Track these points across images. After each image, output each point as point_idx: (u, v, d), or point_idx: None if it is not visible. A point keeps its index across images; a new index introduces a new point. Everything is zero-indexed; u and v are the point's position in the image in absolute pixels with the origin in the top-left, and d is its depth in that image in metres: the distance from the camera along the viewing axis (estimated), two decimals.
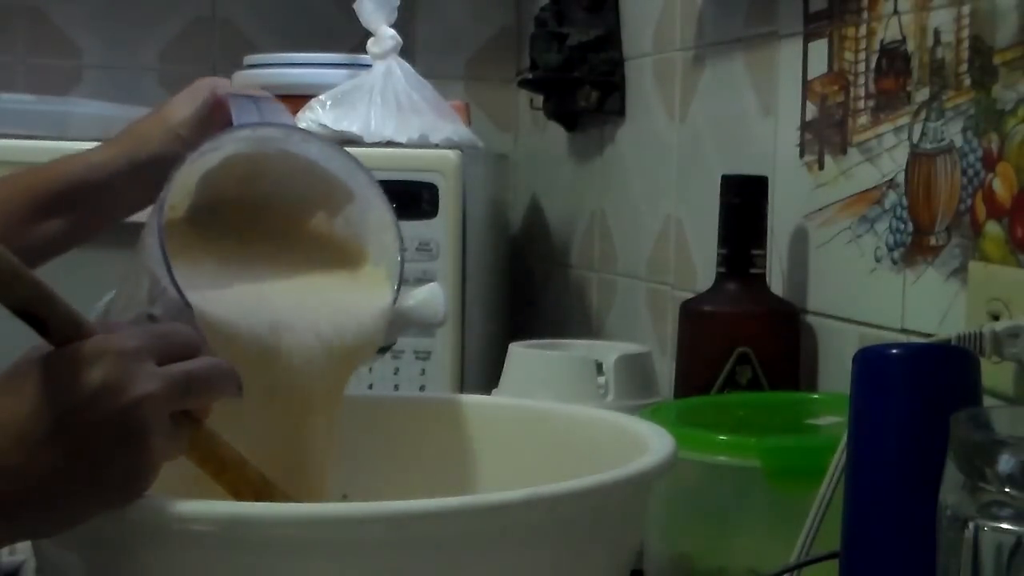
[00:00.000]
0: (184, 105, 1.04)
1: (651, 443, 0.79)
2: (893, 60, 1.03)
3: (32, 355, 0.63)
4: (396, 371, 1.38)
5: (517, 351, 1.19)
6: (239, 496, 0.74)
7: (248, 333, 0.80)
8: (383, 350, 0.92)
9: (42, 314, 0.63)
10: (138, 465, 0.64)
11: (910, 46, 1.01)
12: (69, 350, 0.62)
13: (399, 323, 0.90)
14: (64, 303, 0.63)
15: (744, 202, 1.14)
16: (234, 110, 0.99)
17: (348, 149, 0.90)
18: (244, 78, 1.56)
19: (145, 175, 1.01)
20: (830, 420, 0.95)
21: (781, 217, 1.18)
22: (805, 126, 1.16)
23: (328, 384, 0.83)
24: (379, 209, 0.87)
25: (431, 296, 0.93)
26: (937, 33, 0.98)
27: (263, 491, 0.74)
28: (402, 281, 0.86)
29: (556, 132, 1.72)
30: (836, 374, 1.10)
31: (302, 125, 1.38)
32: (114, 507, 0.64)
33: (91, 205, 1.04)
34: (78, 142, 1.38)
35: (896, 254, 1.03)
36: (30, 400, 0.62)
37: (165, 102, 1.06)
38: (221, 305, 0.80)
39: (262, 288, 0.83)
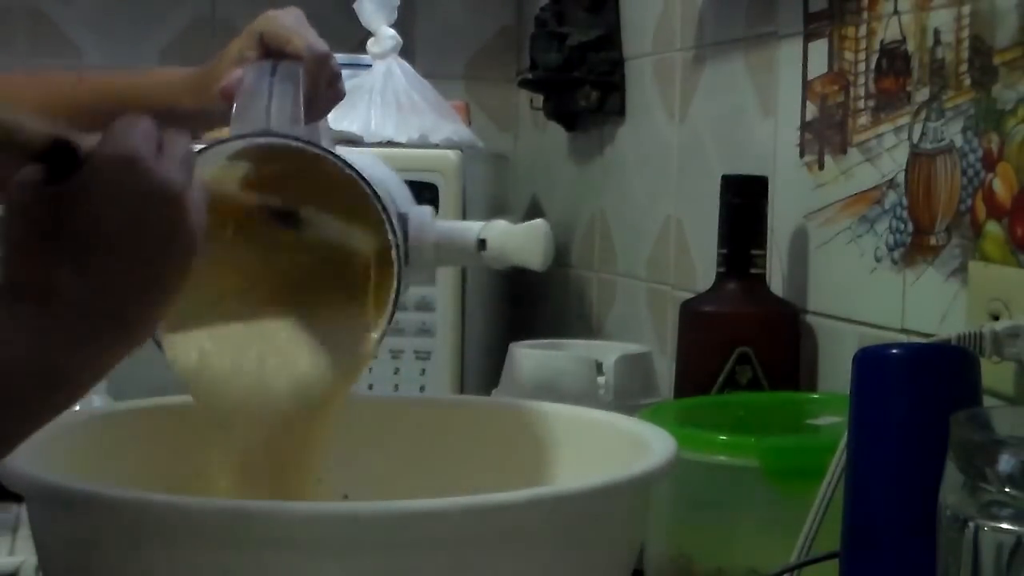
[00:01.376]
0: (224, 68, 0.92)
1: (652, 444, 0.79)
2: (893, 60, 1.03)
3: (40, 188, 0.62)
4: (396, 371, 1.38)
5: (517, 351, 1.19)
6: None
7: (233, 392, 0.80)
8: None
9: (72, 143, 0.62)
10: (188, 245, 0.65)
11: (910, 46, 1.01)
12: (97, 168, 0.62)
13: (499, 260, 0.88)
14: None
15: (744, 202, 1.14)
16: (238, 102, 0.88)
17: (348, 149, 0.90)
18: None
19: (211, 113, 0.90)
20: (830, 420, 0.95)
21: (781, 217, 1.18)
22: (805, 126, 1.16)
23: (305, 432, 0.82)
24: (385, 225, 0.83)
25: (531, 238, 0.89)
26: (937, 33, 0.98)
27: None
28: (396, 307, 0.82)
29: (556, 132, 1.72)
30: (836, 374, 1.10)
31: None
32: (179, 286, 0.65)
33: None
34: None
35: (896, 254, 1.03)
36: (87, 217, 0.62)
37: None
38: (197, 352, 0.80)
39: (249, 332, 0.81)
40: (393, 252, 0.79)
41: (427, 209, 0.91)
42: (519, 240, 0.90)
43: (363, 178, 0.80)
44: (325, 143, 0.89)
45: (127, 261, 0.63)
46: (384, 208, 0.80)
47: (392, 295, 0.79)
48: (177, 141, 0.65)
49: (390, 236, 0.79)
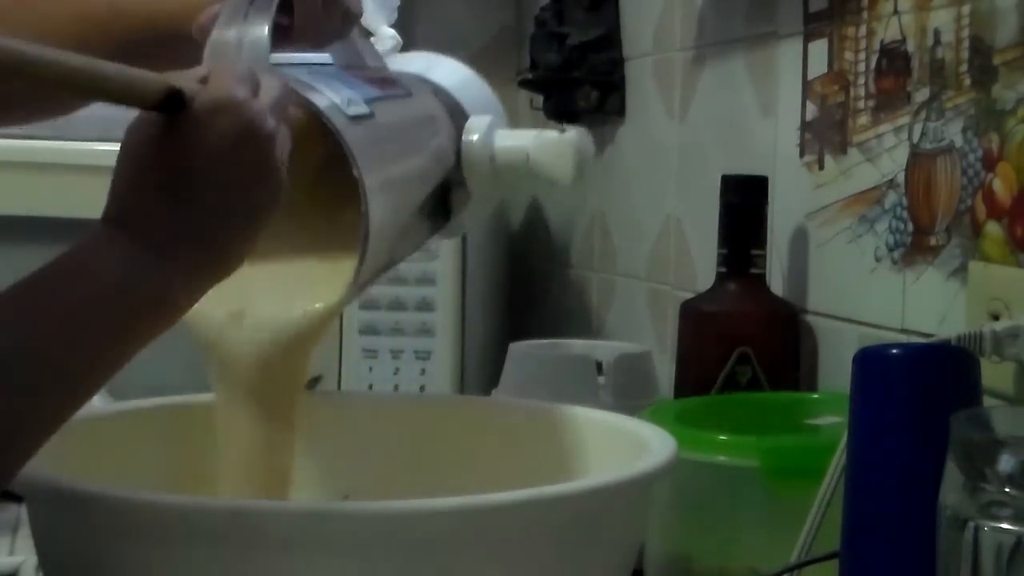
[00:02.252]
0: None
1: (652, 444, 0.79)
2: (893, 60, 1.03)
3: (153, 128, 0.67)
4: (396, 371, 1.38)
5: (517, 351, 1.19)
6: None
7: (205, 324, 0.80)
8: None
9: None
10: (277, 181, 0.70)
11: (910, 46, 1.01)
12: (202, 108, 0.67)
13: (525, 173, 0.86)
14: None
15: (744, 202, 1.14)
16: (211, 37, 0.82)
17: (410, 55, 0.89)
18: None
19: None
20: (830, 420, 0.95)
21: (781, 217, 1.18)
22: (805, 126, 1.16)
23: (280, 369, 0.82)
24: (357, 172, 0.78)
25: (561, 151, 0.87)
26: (937, 33, 0.98)
27: None
28: (366, 249, 0.77)
29: None
30: (836, 374, 1.10)
31: None
32: (268, 220, 0.70)
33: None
34: (78, 142, 1.38)
35: (896, 254, 1.03)
36: (188, 153, 0.67)
37: None
38: None
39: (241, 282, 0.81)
40: (360, 189, 0.77)
41: (486, 119, 0.90)
42: (548, 154, 0.88)
43: (326, 118, 0.77)
44: (369, 61, 0.88)
45: (222, 194, 0.68)
46: (343, 140, 0.77)
47: (361, 233, 0.77)
48: (272, 84, 0.70)
49: (355, 172, 0.77)
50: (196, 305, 0.72)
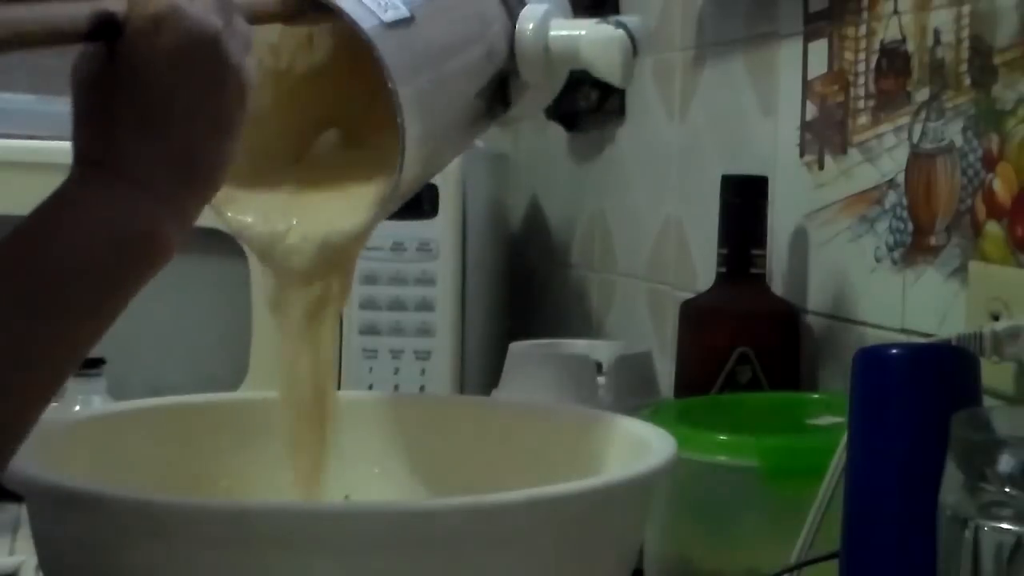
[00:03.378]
0: None
1: (652, 444, 0.79)
2: (893, 60, 1.03)
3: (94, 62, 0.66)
4: (396, 371, 1.38)
5: (517, 351, 1.19)
6: None
7: (258, 238, 0.81)
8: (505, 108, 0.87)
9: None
10: (238, 81, 0.67)
11: (910, 46, 1.01)
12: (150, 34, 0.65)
13: (578, 66, 0.83)
14: None
15: (744, 202, 1.14)
16: None
17: None
18: None
19: None
20: (830, 420, 0.95)
21: (781, 217, 1.18)
22: (805, 126, 1.16)
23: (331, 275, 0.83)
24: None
25: (609, 47, 0.84)
26: (937, 33, 0.98)
27: None
28: (403, 165, 0.78)
29: (556, 132, 1.72)
30: (836, 374, 1.10)
31: None
32: (241, 121, 0.68)
33: None
34: None
35: (896, 254, 1.03)
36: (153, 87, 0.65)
37: None
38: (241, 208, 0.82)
39: (284, 199, 0.82)
40: (394, 100, 0.75)
41: (541, 8, 0.87)
42: (598, 48, 0.86)
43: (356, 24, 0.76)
44: None
45: (182, 110, 0.66)
46: (376, 51, 0.75)
47: (400, 147, 0.76)
48: None
49: (389, 85, 0.75)
50: (247, 224, 0.73)
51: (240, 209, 0.82)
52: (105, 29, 0.64)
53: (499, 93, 0.88)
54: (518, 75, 0.89)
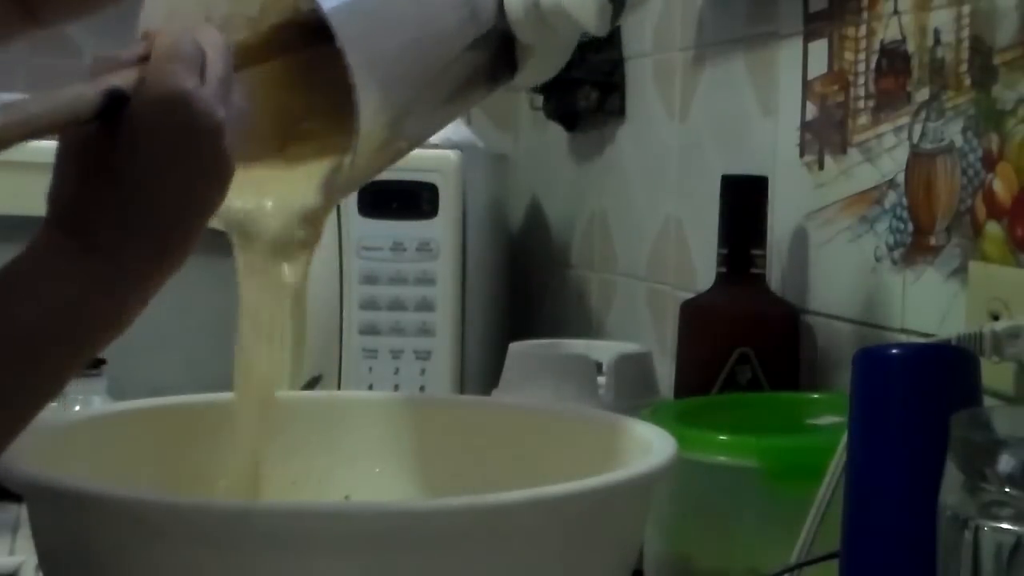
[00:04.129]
0: None
1: (652, 444, 0.79)
2: (893, 60, 1.03)
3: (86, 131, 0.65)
4: (396, 371, 1.38)
5: (517, 351, 1.19)
6: None
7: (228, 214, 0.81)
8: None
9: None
10: (226, 171, 0.68)
11: (910, 46, 1.01)
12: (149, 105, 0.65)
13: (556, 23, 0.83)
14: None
15: (744, 202, 1.14)
16: None
17: None
18: None
19: None
20: (830, 420, 0.95)
21: (781, 217, 1.18)
22: (805, 126, 1.16)
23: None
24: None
25: None
26: (937, 33, 0.98)
27: None
28: (359, 132, 0.77)
29: (556, 132, 1.72)
30: (836, 374, 1.10)
31: None
32: (217, 208, 0.68)
33: None
34: None
35: (896, 254, 1.03)
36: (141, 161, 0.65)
37: None
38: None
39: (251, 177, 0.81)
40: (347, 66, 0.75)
41: None
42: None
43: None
44: None
45: (170, 194, 0.66)
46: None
47: (355, 115, 0.76)
48: (216, 61, 0.67)
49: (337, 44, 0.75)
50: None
51: None
52: (111, 105, 0.64)
53: (503, 57, 0.88)
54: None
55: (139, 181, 0.65)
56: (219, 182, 0.67)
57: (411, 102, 0.82)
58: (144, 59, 0.66)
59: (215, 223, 0.81)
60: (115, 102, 0.64)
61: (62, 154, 0.66)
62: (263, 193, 0.81)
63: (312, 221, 0.82)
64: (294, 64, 0.85)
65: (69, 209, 0.65)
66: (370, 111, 0.76)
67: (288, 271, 0.83)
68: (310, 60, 0.82)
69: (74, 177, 0.66)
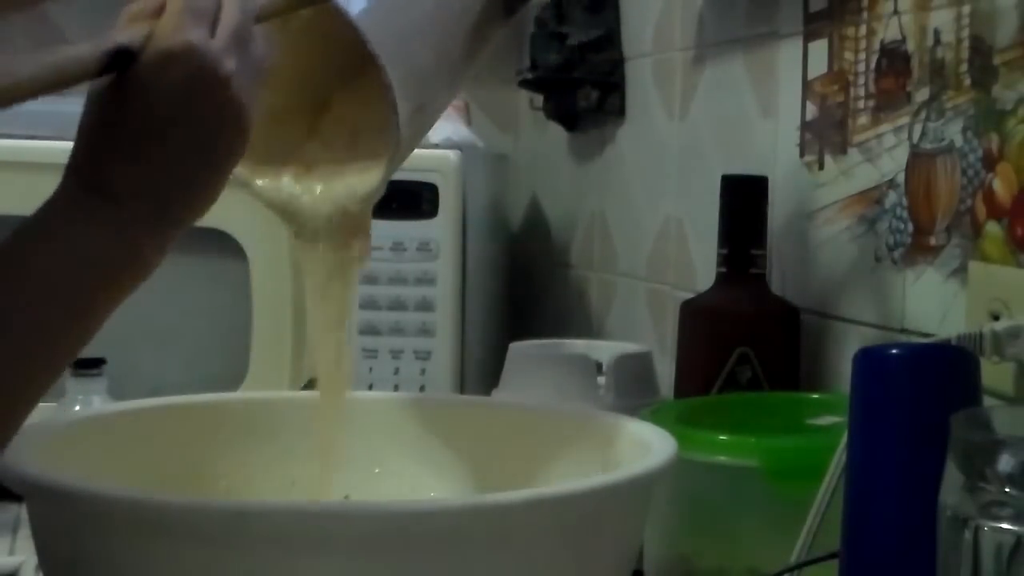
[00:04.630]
0: None
1: (652, 444, 0.79)
2: (893, 60, 1.03)
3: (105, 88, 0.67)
4: (396, 371, 1.38)
5: (517, 351, 1.19)
6: None
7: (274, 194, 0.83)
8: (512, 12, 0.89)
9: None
10: (240, 121, 0.69)
11: (910, 46, 1.01)
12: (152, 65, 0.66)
13: None
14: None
15: (744, 202, 1.14)
16: None
17: None
18: None
19: None
20: (830, 420, 0.95)
21: (781, 217, 1.18)
22: (805, 126, 1.16)
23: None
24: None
25: None
26: (937, 33, 0.98)
27: None
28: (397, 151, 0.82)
29: (556, 132, 1.72)
30: (836, 374, 1.10)
31: None
32: (236, 159, 0.70)
33: None
34: None
35: (896, 254, 1.03)
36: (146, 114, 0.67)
37: None
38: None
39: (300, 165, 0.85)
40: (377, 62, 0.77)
41: None
42: None
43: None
44: None
45: (179, 144, 0.67)
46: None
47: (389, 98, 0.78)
48: (230, 12, 0.69)
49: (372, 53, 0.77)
50: (261, 185, 0.77)
51: (268, 177, 0.84)
52: (117, 61, 0.66)
53: None
54: None
55: (150, 133, 0.67)
56: (232, 132, 0.69)
57: (434, 65, 0.83)
58: (161, 9, 0.68)
59: (273, 209, 0.83)
60: (120, 59, 0.66)
61: (87, 104, 0.68)
62: (310, 179, 0.83)
63: (365, 199, 0.83)
64: (315, 32, 0.85)
65: (86, 161, 0.68)
66: (400, 88, 0.77)
67: (355, 248, 0.84)
68: (325, 26, 0.83)
69: (91, 130, 0.68)
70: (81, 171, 0.68)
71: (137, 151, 0.67)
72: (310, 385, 1.36)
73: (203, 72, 0.67)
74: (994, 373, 0.84)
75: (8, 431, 0.64)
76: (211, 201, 0.70)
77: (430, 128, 0.89)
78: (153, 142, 0.67)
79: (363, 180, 0.83)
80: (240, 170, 0.79)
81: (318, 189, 0.84)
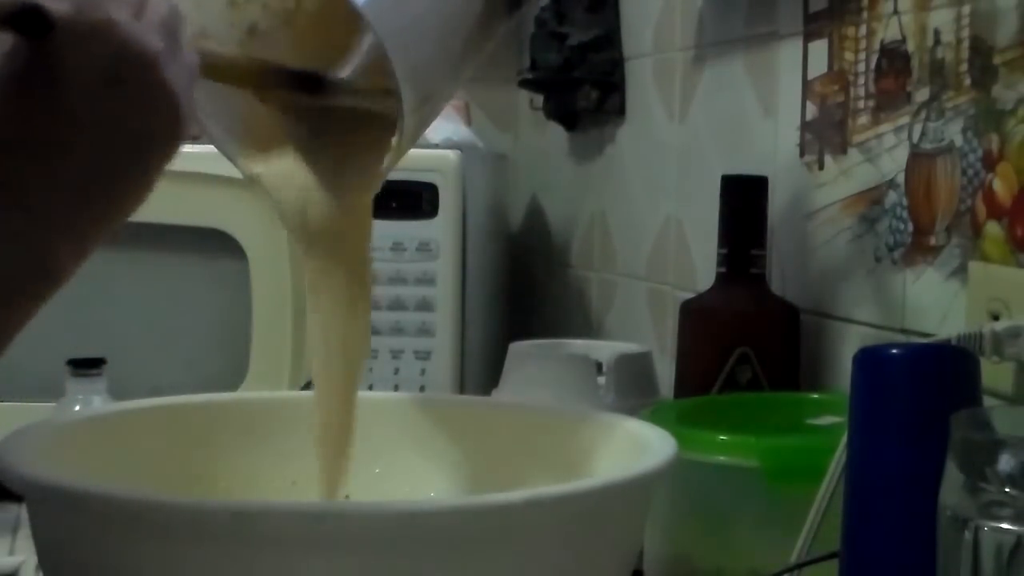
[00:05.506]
0: None
1: (652, 444, 0.79)
2: (893, 60, 1.03)
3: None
4: (396, 371, 1.38)
5: (517, 351, 1.19)
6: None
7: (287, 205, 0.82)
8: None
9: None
10: (171, 107, 0.62)
11: (910, 46, 1.01)
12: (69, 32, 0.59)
13: None
14: None
15: (744, 202, 1.14)
16: None
17: None
18: None
19: None
20: (830, 420, 0.95)
21: (781, 217, 1.18)
22: (805, 126, 1.16)
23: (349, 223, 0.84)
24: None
25: None
26: (937, 33, 0.98)
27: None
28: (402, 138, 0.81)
29: (556, 132, 1.72)
30: (836, 374, 1.10)
31: None
32: (169, 151, 0.63)
33: None
34: None
35: (896, 254, 1.03)
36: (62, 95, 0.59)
37: None
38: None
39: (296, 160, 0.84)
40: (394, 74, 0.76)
41: None
42: None
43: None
44: None
45: (99, 129, 0.60)
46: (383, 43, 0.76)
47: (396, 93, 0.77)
48: (157, 3, 0.62)
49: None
50: (277, 193, 0.74)
51: (267, 167, 0.83)
52: (29, 22, 0.58)
53: None
54: None
55: (62, 116, 0.59)
56: (163, 120, 0.62)
57: (440, 57, 0.83)
58: None
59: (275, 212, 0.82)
60: (30, 19, 0.58)
61: None
62: (312, 171, 0.83)
63: (367, 190, 0.83)
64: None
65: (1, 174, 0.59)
66: (406, 79, 0.76)
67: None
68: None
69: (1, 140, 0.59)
70: None
71: (50, 138, 0.59)
72: (310, 385, 1.36)
73: (126, 50, 0.60)
74: (994, 373, 0.84)
75: None
76: (139, 200, 0.63)
77: (432, 121, 0.89)
78: (69, 127, 0.59)
79: (366, 171, 0.82)
80: (245, 162, 0.78)
81: (320, 181, 0.83)
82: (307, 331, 0.86)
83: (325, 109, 0.86)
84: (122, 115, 0.61)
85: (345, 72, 0.85)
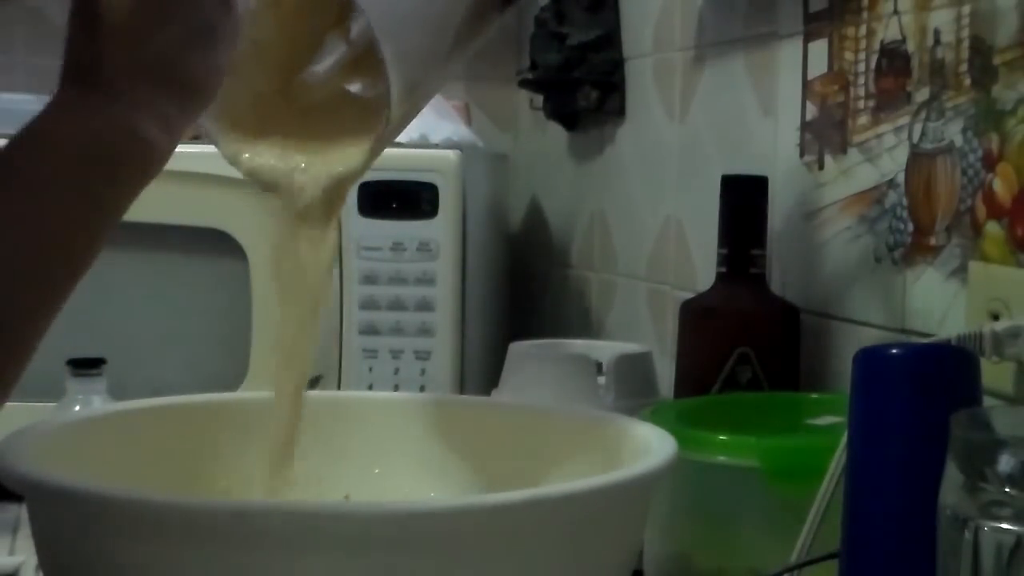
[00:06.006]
0: None
1: (652, 444, 0.79)
2: (893, 60, 1.03)
3: None
4: (396, 371, 1.38)
5: (517, 351, 1.19)
6: None
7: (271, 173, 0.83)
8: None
9: None
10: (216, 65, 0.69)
11: (910, 46, 1.01)
12: None
13: None
14: None
15: (744, 202, 1.14)
16: None
17: None
18: None
19: None
20: (830, 420, 0.95)
21: (781, 217, 1.18)
22: (805, 126, 1.16)
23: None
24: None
25: None
26: (937, 33, 0.98)
27: None
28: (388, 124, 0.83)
29: (556, 132, 1.72)
30: (836, 374, 1.10)
31: None
32: (232, 39, 0.70)
33: None
34: None
35: (896, 254, 1.03)
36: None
37: None
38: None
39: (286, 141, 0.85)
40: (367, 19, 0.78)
41: None
42: None
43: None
44: None
45: (174, 24, 0.67)
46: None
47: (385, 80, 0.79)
48: None
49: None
50: (261, 163, 0.76)
51: (254, 152, 0.83)
52: None
53: None
54: None
55: (141, 18, 0.66)
56: (223, 13, 0.68)
57: (430, 45, 0.84)
58: None
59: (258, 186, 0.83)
60: None
61: (72, 12, 0.67)
62: (297, 155, 0.83)
63: (350, 177, 0.83)
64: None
65: (73, 55, 0.67)
66: (395, 65, 0.77)
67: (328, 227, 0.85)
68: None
69: (84, 31, 0.67)
70: (69, 68, 0.66)
71: (121, 32, 0.66)
72: (310, 385, 1.36)
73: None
74: (994, 373, 0.84)
75: (15, 362, 0.62)
76: (210, 80, 0.69)
77: (420, 110, 0.89)
78: (134, 19, 0.66)
79: (349, 157, 0.82)
80: (229, 146, 0.78)
81: (304, 165, 0.83)
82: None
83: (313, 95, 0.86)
84: (193, 15, 0.67)
85: (332, 58, 0.85)
